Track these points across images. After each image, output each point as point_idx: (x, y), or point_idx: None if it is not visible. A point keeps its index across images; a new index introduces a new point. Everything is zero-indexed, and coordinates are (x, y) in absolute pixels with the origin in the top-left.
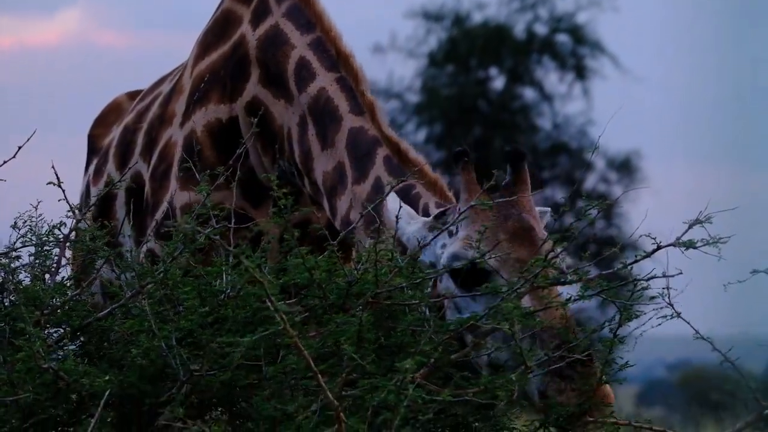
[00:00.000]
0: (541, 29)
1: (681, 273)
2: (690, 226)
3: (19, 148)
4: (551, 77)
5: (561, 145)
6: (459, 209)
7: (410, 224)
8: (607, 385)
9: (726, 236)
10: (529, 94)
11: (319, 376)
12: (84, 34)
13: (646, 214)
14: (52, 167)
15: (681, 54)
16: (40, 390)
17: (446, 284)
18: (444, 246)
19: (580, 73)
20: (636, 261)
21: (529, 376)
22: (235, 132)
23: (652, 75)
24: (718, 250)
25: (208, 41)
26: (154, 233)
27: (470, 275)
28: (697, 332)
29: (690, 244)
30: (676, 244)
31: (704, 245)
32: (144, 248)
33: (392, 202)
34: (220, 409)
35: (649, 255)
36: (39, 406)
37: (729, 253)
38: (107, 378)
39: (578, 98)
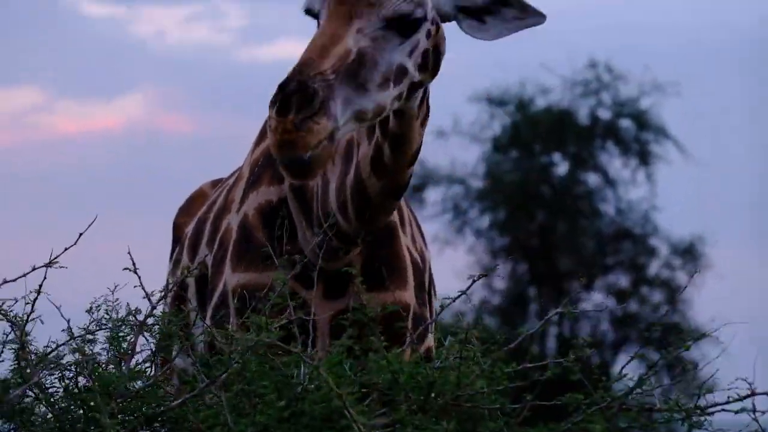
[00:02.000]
0: (604, 114)
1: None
2: None
3: (80, 234)
4: (615, 162)
5: (625, 230)
6: None
7: None
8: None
9: None
10: (592, 179)
11: None
12: (148, 117)
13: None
14: (128, 253)
15: (748, 136)
16: None
17: None
18: None
19: (644, 158)
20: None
21: None
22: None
23: (718, 160)
24: None
25: (264, 128)
26: (210, 318)
27: None
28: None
29: None
30: None
31: None
32: (203, 336)
33: None
34: None
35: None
36: None
37: None
38: None
39: (642, 183)
